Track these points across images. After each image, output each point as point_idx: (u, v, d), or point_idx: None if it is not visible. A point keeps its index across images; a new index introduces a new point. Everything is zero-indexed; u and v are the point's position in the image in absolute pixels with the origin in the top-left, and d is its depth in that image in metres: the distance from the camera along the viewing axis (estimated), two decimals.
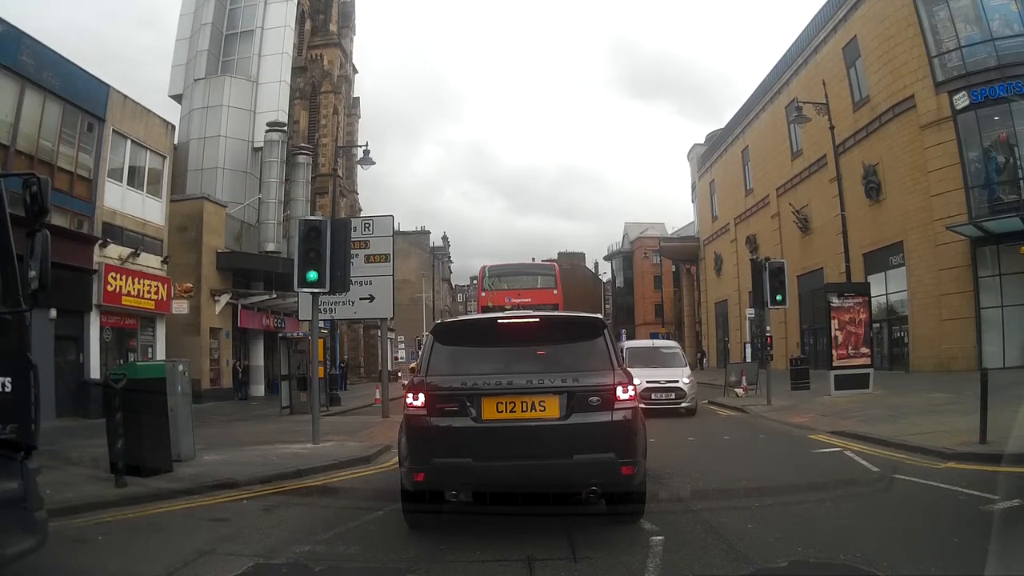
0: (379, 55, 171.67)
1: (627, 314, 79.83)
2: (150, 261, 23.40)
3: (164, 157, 25.08)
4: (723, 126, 49.30)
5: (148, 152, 24.08)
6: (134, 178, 23.59)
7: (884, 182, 26.79)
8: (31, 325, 4.40)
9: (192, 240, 26.50)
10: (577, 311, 7.14)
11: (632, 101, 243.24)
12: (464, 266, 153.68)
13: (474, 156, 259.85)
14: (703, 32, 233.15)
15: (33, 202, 4.32)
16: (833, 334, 18.19)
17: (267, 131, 31.71)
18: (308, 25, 42.51)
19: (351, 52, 47.27)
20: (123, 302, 21.55)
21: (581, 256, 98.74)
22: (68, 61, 20.08)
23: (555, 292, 26.18)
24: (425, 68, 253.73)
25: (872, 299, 20.41)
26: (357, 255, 16.31)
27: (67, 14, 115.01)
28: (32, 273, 4.28)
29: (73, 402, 18.82)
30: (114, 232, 21.93)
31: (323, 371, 19.11)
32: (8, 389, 4.03)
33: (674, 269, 65.28)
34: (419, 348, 23.97)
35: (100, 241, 20.85)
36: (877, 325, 24.33)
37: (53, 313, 18.13)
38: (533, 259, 54.33)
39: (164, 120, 25.89)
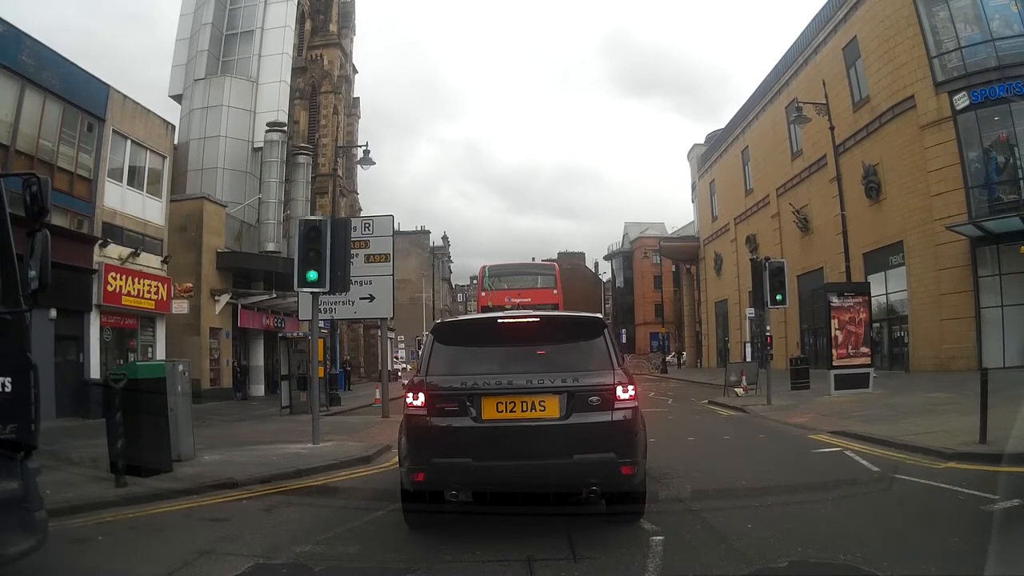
0: (376, 54, 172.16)
1: (627, 314, 79.92)
2: (150, 261, 23.41)
3: (164, 157, 25.08)
4: (723, 126, 49.31)
5: (148, 152, 24.08)
6: (134, 178, 23.59)
7: (884, 182, 26.78)
8: (31, 325, 4.40)
9: (192, 240, 26.50)
10: (577, 311, 7.13)
11: (629, 99, 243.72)
12: (464, 266, 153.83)
13: (471, 155, 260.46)
14: (699, 29, 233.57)
15: (33, 202, 4.32)
16: (833, 334, 18.17)
17: (267, 131, 31.71)
18: (308, 25, 42.50)
19: (351, 52, 47.25)
20: (123, 302, 21.55)
21: (581, 256, 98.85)
22: (68, 61, 20.08)
23: (555, 292, 26.19)
24: (421, 67, 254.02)
25: (872, 299, 20.40)
26: (357, 255, 16.31)
27: (61, 12, 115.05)
28: (32, 273, 4.28)
29: (73, 402, 18.80)
30: (114, 232, 21.94)
31: (323, 371, 19.10)
32: (8, 389, 4.03)
33: (674, 269, 65.26)
34: (419, 348, 23.95)
35: (100, 241, 20.86)
36: (877, 325, 24.32)
37: (53, 313, 18.15)
38: (533, 259, 54.45)
39: (164, 120, 25.91)
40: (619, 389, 5.59)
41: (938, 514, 6.21)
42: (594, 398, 5.54)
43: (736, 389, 20.59)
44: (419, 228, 75.01)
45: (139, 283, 22.21)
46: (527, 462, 5.47)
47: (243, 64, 33.56)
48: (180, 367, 9.99)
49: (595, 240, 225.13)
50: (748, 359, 30.65)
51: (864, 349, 18.28)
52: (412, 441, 5.71)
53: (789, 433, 12.54)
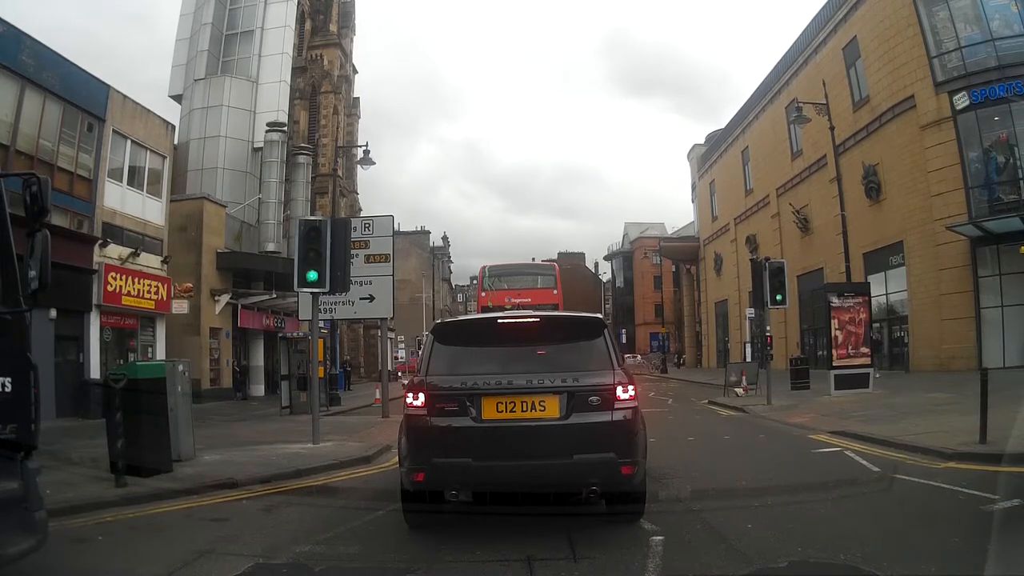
0: (376, 54, 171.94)
1: (627, 314, 79.91)
2: (150, 261, 23.41)
3: (164, 157, 25.08)
4: (723, 126, 49.34)
5: (148, 152, 24.08)
6: (134, 178, 23.59)
7: (884, 182, 26.79)
8: (31, 325, 4.40)
9: (192, 240, 26.50)
10: (577, 311, 7.13)
11: (629, 99, 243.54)
12: (464, 266, 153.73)
13: (471, 155, 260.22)
14: (699, 29, 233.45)
15: (33, 202, 4.32)
16: (833, 334, 18.18)
17: (267, 131, 31.72)
18: (308, 25, 42.51)
19: (351, 52, 47.27)
20: (123, 302, 21.55)
21: (581, 256, 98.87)
22: (68, 61, 20.07)
23: (555, 292, 26.21)
24: (421, 66, 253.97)
25: (872, 299, 20.41)
26: (357, 255, 16.31)
27: (61, 12, 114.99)
28: (32, 273, 4.28)
29: (73, 402, 18.80)
30: (114, 232, 21.94)
31: (323, 371, 19.09)
32: (8, 389, 4.03)
33: (674, 269, 65.28)
34: (419, 348, 23.96)
35: (100, 241, 20.85)
36: (877, 325, 24.32)
37: (53, 313, 18.15)
38: (533, 259, 54.46)
39: (164, 120, 25.90)
40: (619, 389, 5.60)
41: (938, 514, 6.21)
42: (594, 398, 5.55)
43: (736, 389, 20.60)
44: (419, 228, 75.00)
45: (139, 283, 22.21)
46: (527, 462, 5.47)
47: (243, 64, 33.57)
48: (180, 367, 9.99)
49: (595, 240, 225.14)
50: (748, 359, 30.64)
51: (864, 349, 18.28)
52: (412, 441, 5.71)
53: (789, 433, 12.54)
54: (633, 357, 56.62)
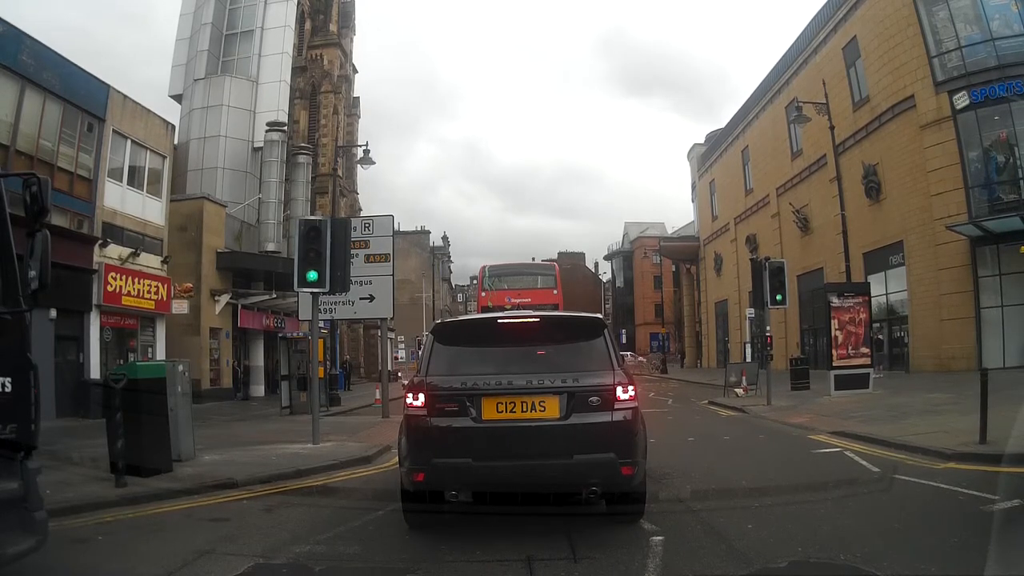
0: (374, 52, 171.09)
1: (627, 314, 79.91)
2: (150, 261, 23.41)
3: (164, 157, 25.08)
4: (723, 126, 49.34)
5: (148, 152, 24.09)
6: (134, 178, 23.60)
7: (884, 182, 26.79)
8: (31, 325, 4.40)
9: (192, 240, 26.50)
10: (577, 311, 7.13)
11: (629, 99, 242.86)
12: (463, 266, 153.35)
13: (471, 154, 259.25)
14: (700, 29, 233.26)
15: (33, 202, 4.33)
16: (833, 334, 18.18)
17: (267, 131, 31.72)
18: (308, 25, 42.50)
19: (351, 52, 47.28)
20: (123, 302, 21.56)
21: (581, 256, 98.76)
22: (68, 61, 20.08)
23: (555, 292, 26.22)
24: (421, 66, 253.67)
25: (872, 299, 20.41)
26: (357, 255, 16.30)
27: (60, 12, 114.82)
28: (32, 273, 4.28)
29: (73, 402, 18.81)
30: (114, 232, 21.94)
31: (323, 371, 19.10)
32: (8, 389, 4.03)
33: (674, 269, 65.23)
34: (419, 348, 23.94)
35: (100, 241, 20.86)
36: (877, 325, 24.32)
37: (53, 313, 18.15)
38: (533, 259, 54.44)
39: (164, 120, 25.91)
40: (619, 389, 5.60)
41: (938, 514, 6.21)
42: (594, 398, 5.55)
43: (736, 389, 20.61)
44: (419, 228, 74.91)
45: (139, 283, 22.22)
46: (527, 462, 5.47)
47: (243, 64, 33.57)
48: (180, 367, 9.99)
49: (595, 240, 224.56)
50: (748, 359, 30.64)
51: (864, 349, 18.28)
52: (412, 441, 5.71)
53: (789, 433, 12.54)
54: (635, 357, 56.44)
